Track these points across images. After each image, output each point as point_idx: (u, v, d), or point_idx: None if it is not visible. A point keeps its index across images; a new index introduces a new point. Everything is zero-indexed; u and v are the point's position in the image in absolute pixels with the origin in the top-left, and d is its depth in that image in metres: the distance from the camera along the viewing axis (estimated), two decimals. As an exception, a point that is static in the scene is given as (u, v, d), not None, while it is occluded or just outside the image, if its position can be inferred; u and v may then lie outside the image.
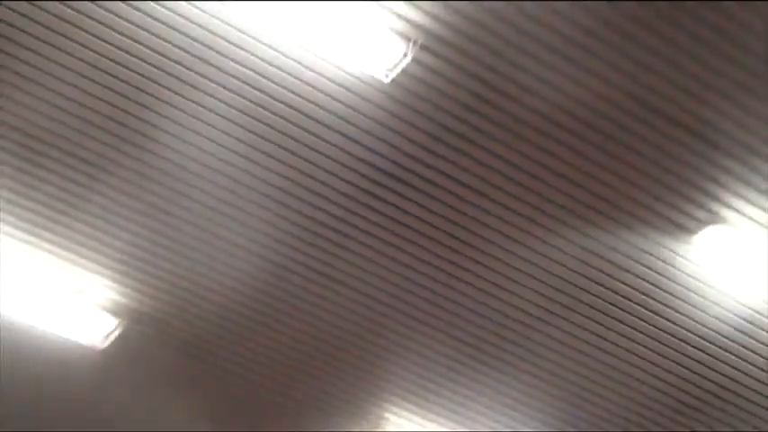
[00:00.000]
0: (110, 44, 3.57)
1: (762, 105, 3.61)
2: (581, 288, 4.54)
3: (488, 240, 4.33)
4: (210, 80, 3.69)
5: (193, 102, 3.79)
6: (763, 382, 5.00)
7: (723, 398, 5.07)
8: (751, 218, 4.09)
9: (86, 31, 3.54)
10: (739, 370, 4.91)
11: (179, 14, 3.47)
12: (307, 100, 3.78)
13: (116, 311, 4.96)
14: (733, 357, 4.86)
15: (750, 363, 4.85)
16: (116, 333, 5.12)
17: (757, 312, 4.54)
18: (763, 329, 4.62)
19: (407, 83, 3.66)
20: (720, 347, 4.82)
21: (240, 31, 3.52)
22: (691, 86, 3.51)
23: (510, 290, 4.55)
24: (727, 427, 5.27)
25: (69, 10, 3.43)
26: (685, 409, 5.19)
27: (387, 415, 5.58)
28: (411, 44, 3.56)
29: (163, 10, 3.45)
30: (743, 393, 5.06)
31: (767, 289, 4.36)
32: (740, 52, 3.36)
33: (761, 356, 4.80)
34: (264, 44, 3.57)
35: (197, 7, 3.44)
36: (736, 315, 4.62)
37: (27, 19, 3.48)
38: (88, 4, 3.41)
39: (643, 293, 4.54)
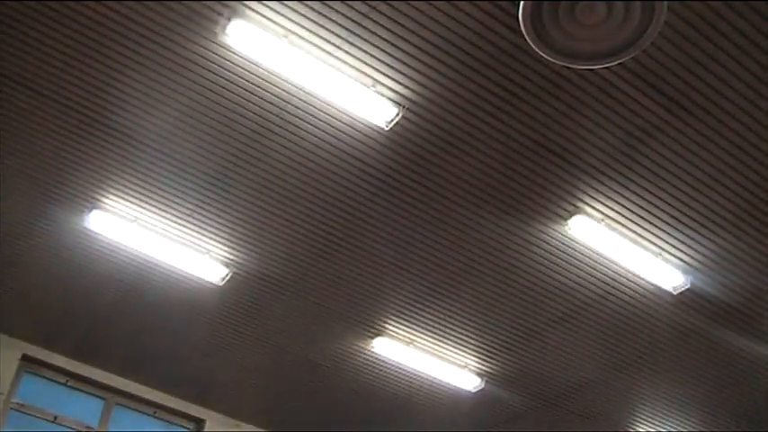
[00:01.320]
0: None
1: (611, 137, 5.70)
2: (500, 251, 6.75)
3: (453, 224, 6.54)
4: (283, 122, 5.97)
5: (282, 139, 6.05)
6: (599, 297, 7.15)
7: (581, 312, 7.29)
8: (602, 211, 6.22)
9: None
10: (584, 301, 7.11)
11: (273, 85, 5.57)
12: (338, 140, 5.89)
13: (227, 264, 7.15)
14: (581, 293, 7.04)
15: (589, 293, 7.03)
16: (227, 278, 7.26)
17: (606, 275, 6.77)
18: (609, 277, 6.79)
19: (399, 130, 5.72)
20: (579, 291, 7.03)
21: (300, 99, 5.61)
22: (559, 128, 5.66)
23: (458, 250, 6.80)
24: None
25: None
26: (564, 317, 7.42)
27: (382, 326, 7.83)
28: (401, 107, 5.52)
29: (266, 84, 5.55)
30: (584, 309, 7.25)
31: (613, 259, 6.59)
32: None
33: (596, 290, 6.99)
34: (314, 107, 5.64)
35: (283, 85, 5.53)
36: (589, 275, 6.84)
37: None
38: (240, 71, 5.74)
39: (532, 260, 6.75)
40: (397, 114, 5.58)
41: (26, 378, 8.66)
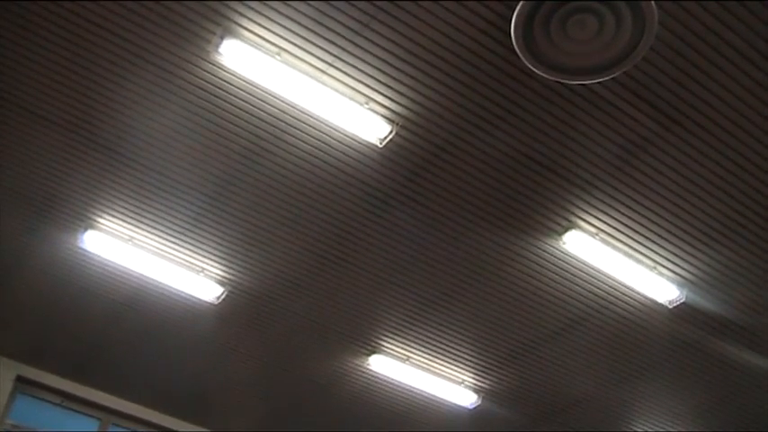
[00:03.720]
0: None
1: (604, 151, 5.72)
2: (495, 267, 6.72)
3: (448, 240, 6.51)
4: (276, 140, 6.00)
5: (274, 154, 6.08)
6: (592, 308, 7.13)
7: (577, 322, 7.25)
8: (596, 226, 6.21)
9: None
10: (579, 315, 7.08)
11: (266, 103, 5.62)
12: (332, 157, 5.91)
13: (222, 282, 7.13)
14: (577, 308, 7.02)
15: (585, 307, 7.02)
16: (223, 296, 7.25)
17: (601, 289, 6.74)
18: (604, 291, 6.78)
19: (393, 147, 5.74)
20: (574, 305, 7.00)
21: (293, 116, 5.67)
22: (553, 145, 5.68)
23: (453, 266, 6.79)
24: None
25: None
26: (560, 331, 7.40)
27: (378, 343, 7.81)
28: (395, 124, 5.54)
29: (260, 102, 5.65)
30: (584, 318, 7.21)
31: (608, 273, 6.57)
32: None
33: (591, 304, 6.96)
34: (307, 125, 5.69)
35: (276, 103, 5.59)
36: (584, 289, 6.80)
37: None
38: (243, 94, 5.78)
39: (527, 275, 6.73)
40: (391, 131, 5.60)
41: (20, 399, 8.60)
